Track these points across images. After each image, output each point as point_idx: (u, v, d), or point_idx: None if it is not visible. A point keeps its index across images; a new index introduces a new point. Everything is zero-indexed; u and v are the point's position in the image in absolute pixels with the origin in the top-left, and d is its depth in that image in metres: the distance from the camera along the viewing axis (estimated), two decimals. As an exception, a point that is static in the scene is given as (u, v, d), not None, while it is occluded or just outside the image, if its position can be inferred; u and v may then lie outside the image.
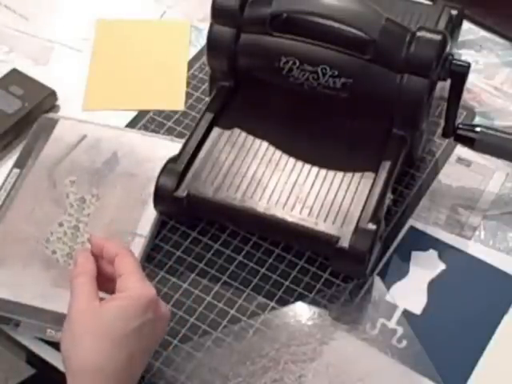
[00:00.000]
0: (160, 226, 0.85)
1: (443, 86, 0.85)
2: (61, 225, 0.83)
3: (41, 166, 0.88)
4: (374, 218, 0.78)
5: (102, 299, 0.70)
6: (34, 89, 0.95)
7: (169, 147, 0.87)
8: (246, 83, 0.88)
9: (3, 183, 0.87)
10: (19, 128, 0.92)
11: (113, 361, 0.68)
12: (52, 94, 0.95)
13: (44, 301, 0.78)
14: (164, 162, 0.83)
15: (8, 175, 0.88)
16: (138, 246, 0.82)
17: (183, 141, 0.86)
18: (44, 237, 0.83)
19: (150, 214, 0.84)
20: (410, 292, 0.81)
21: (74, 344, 0.68)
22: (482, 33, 1.03)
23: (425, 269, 0.83)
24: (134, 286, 0.70)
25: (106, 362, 0.67)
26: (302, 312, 0.80)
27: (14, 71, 0.97)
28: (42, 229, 0.83)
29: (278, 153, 0.84)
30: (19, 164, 0.89)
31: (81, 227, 0.83)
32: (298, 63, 0.83)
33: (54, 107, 0.95)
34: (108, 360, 0.67)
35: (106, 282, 0.73)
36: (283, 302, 0.81)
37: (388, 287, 0.82)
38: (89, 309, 0.69)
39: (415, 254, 0.84)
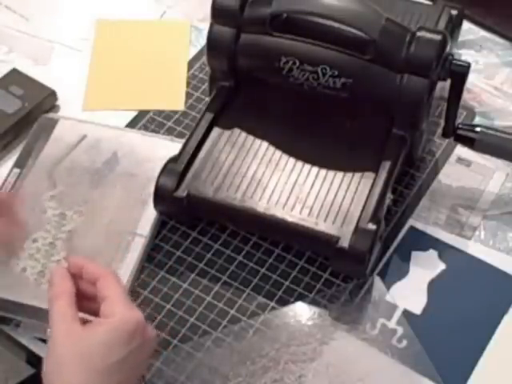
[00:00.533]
0: (160, 226, 0.85)
1: (443, 86, 0.85)
2: (35, 241, 0.82)
3: (41, 166, 0.88)
4: (374, 218, 0.78)
5: (85, 321, 0.68)
6: (34, 89, 0.95)
7: (169, 147, 0.87)
8: (245, 83, 0.88)
9: (3, 183, 0.87)
10: (19, 128, 0.92)
11: None
12: (52, 94, 0.95)
13: (44, 301, 0.78)
14: (164, 161, 0.83)
15: (8, 175, 0.88)
16: (138, 245, 0.82)
17: (183, 141, 0.86)
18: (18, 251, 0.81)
19: (149, 214, 0.84)
20: (410, 292, 0.81)
21: (58, 369, 0.65)
22: (482, 33, 1.03)
23: (425, 269, 0.83)
24: (120, 310, 0.67)
25: None
26: (302, 312, 0.80)
27: (14, 71, 0.97)
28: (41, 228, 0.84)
29: (278, 153, 0.84)
30: (19, 164, 0.89)
31: (58, 244, 0.82)
32: (298, 63, 0.83)
33: (54, 107, 0.95)
34: None
35: (85, 302, 0.70)
36: (283, 302, 0.81)
37: (388, 287, 0.82)
38: (71, 334, 0.66)
39: (415, 254, 0.84)
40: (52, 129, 0.91)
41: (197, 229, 0.86)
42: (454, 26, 0.92)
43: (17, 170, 0.88)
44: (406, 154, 0.85)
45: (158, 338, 0.74)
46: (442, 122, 0.87)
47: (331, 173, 0.83)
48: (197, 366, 0.77)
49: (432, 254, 0.84)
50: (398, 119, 0.83)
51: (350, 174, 0.82)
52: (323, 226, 0.79)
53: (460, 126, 0.87)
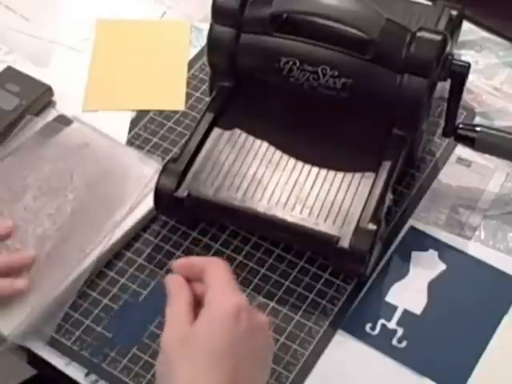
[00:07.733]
0: (160, 226, 0.85)
1: (443, 86, 0.85)
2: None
3: (27, 159, 0.88)
4: (374, 218, 0.78)
5: None
6: (30, 85, 0.95)
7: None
8: (246, 83, 0.88)
9: None
10: (17, 125, 0.92)
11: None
12: (48, 90, 0.95)
13: None
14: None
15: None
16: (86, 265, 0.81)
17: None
18: None
19: (110, 238, 0.82)
20: (410, 292, 0.81)
21: (169, 372, 0.64)
22: (482, 33, 1.03)
23: (425, 269, 0.83)
24: (216, 297, 0.66)
25: None
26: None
27: (9, 69, 0.97)
28: None
29: (279, 153, 0.84)
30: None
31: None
32: (298, 63, 0.83)
33: (50, 102, 0.95)
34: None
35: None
36: (283, 302, 0.81)
37: (388, 287, 0.82)
38: (180, 335, 0.65)
39: (415, 254, 0.84)
40: (60, 130, 0.91)
41: (197, 229, 0.86)
42: (454, 27, 0.92)
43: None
44: (406, 154, 0.85)
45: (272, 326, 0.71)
46: (442, 122, 0.87)
47: (331, 173, 0.83)
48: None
49: (432, 254, 0.84)
50: (398, 119, 0.83)
51: (350, 174, 0.82)
52: (323, 227, 0.79)
53: (460, 125, 0.87)
